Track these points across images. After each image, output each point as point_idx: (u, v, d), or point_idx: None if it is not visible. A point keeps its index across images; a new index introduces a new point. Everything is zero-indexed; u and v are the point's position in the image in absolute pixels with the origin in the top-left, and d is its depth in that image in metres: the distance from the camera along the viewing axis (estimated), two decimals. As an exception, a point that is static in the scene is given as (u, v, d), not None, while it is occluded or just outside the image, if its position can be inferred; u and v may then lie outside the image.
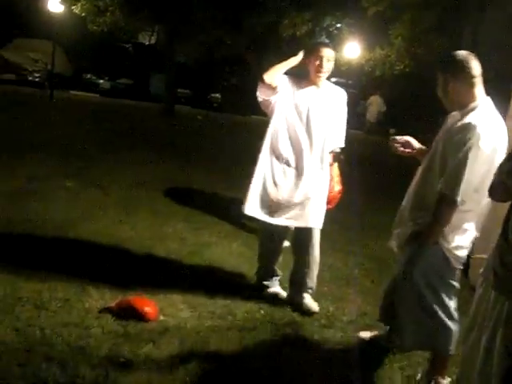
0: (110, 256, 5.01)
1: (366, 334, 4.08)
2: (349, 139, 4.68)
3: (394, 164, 12.94)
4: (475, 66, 3.15)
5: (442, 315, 3.31)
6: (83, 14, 18.10)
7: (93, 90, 23.45)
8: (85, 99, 20.49)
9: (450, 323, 3.32)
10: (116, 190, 7.38)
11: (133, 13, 17.45)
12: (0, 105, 14.47)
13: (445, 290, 3.33)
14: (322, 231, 4.48)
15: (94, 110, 16.84)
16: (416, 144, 3.65)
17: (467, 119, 3.10)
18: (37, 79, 22.22)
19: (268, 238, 4.60)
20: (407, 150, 3.64)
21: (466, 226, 3.25)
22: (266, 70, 4.23)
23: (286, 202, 4.29)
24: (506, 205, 2.63)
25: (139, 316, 3.83)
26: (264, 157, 4.33)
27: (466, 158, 3.01)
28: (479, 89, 3.18)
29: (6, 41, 23.39)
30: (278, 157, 4.32)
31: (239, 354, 3.65)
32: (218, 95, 24.80)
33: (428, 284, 3.30)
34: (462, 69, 3.15)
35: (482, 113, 3.11)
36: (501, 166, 2.61)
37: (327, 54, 4.24)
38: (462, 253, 3.32)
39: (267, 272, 4.65)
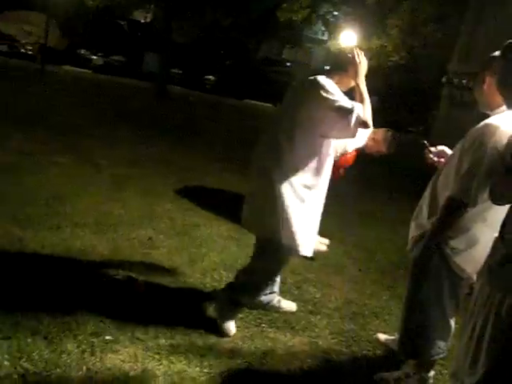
0: (98, 232, 5.00)
1: (382, 336, 4.06)
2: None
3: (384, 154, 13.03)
4: None
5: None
6: (79, -12, 17.95)
7: (85, 66, 23.29)
8: (77, 75, 20.37)
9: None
10: (108, 167, 7.36)
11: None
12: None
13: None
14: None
15: (86, 85, 16.74)
16: (450, 152, 3.37)
17: (488, 120, 2.89)
18: (29, 52, 22.03)
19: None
20: (442, 160, 3.43)
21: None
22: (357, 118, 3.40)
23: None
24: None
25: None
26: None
27: (481, 159, 2.80)
28: None
29: (-1, 11, 23.18)
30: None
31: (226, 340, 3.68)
32: (211, 77, 24.70)
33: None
34: None
35: (510, 117, 2.82)
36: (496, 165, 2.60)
37: None
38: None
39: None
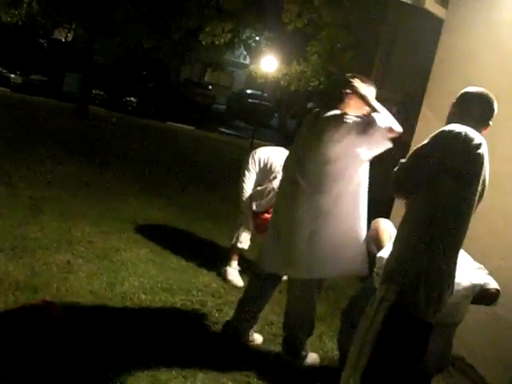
0: (14, 257, 4.87)
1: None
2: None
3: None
4: None
5: None
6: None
7: (3, 84, 22.57)
8: (-7, 93, 19.71)
9: None
10: (24, 188, 7.15)
11: (50, 6, 16.93)
12: None
13: None
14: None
15: (3, 104, 16.22)
16: None
17: None
18: None
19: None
20: None
21: None
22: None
23: None
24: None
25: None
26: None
27: None
28: None
29: None
30: None
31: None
32: (133, 99, 24.47)
33: None
34: None
35: None
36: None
37: None
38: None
39: None
